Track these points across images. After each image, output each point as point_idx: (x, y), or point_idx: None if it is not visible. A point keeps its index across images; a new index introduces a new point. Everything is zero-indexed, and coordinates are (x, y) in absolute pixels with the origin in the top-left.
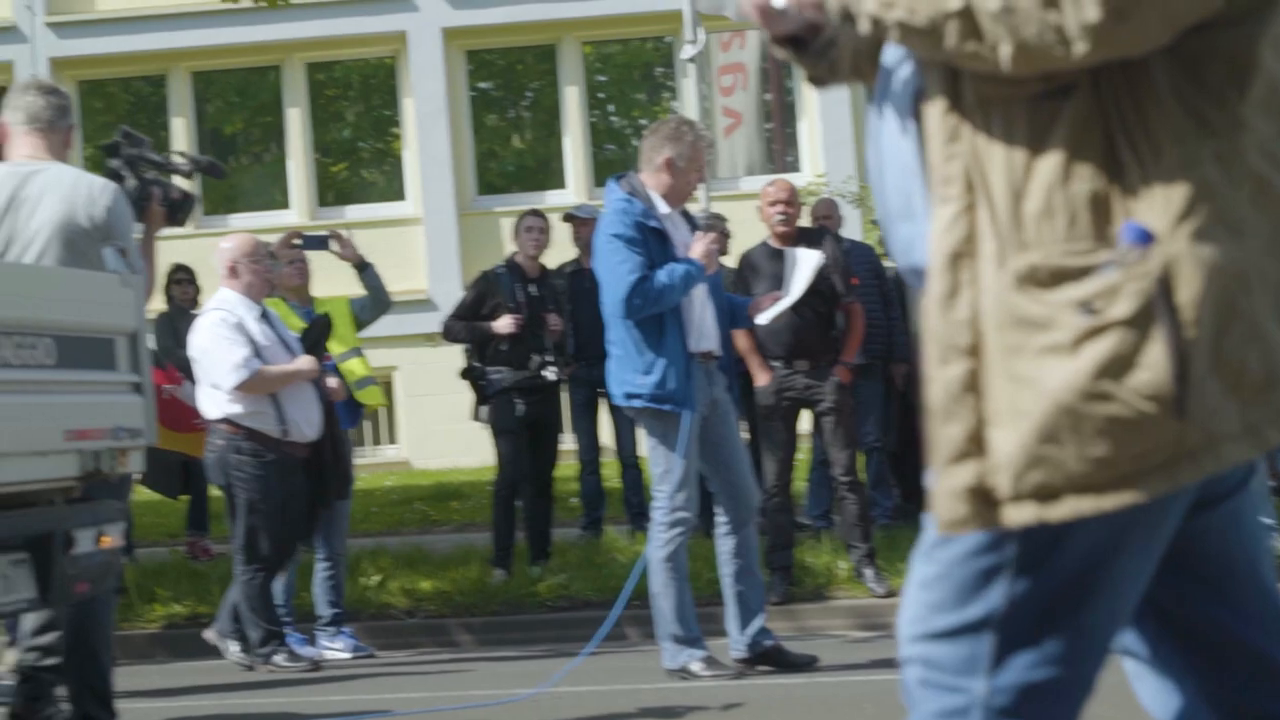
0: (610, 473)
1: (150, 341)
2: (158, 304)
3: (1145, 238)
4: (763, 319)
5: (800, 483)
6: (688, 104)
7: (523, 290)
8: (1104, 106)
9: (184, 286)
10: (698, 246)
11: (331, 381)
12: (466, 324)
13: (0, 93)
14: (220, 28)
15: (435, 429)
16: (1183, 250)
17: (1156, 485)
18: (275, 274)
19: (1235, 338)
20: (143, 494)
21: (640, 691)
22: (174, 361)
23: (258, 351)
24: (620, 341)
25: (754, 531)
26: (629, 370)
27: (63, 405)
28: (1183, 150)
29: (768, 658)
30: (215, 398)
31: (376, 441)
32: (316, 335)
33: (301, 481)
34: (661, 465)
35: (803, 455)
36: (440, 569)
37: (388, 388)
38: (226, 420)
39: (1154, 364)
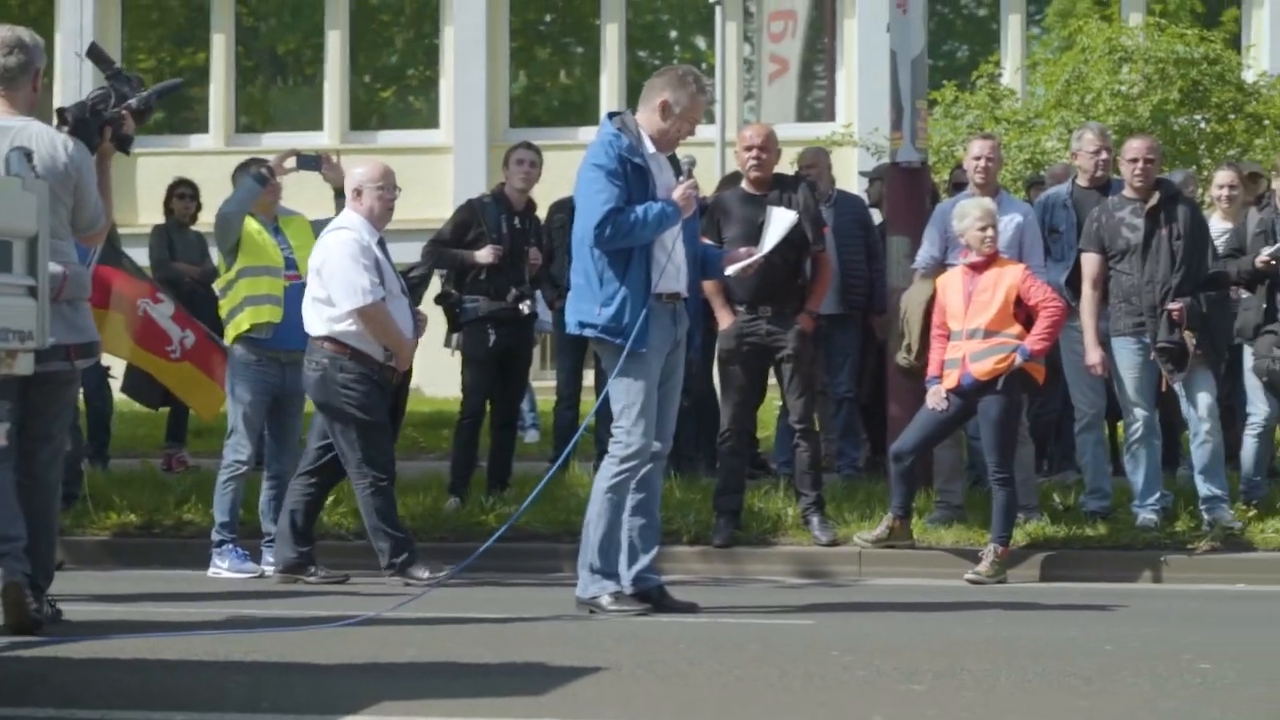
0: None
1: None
2: (155, 217)
3: None
4: (731, 270)
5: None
6: (728, 48)
7: (507, 222)
8: None
9: (185, 202)
10: (678, 190)
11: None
12: (447, 249)
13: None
14: None
15: (448, 358)
16: None
17: None
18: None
19: None
20: (125, 404)
21: (542, 624)
22: (165, 274)
23: (381, 279)
24: (584, 271)
25: (658, 472)
26: (587, 300)
27: None
28: None
29: (648, 598)
30: (323, 313)
31: None
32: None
33: (387, 406)
34: (620, 400)
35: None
36: (400, 493)
37: None
38: (330, 338)
39: None
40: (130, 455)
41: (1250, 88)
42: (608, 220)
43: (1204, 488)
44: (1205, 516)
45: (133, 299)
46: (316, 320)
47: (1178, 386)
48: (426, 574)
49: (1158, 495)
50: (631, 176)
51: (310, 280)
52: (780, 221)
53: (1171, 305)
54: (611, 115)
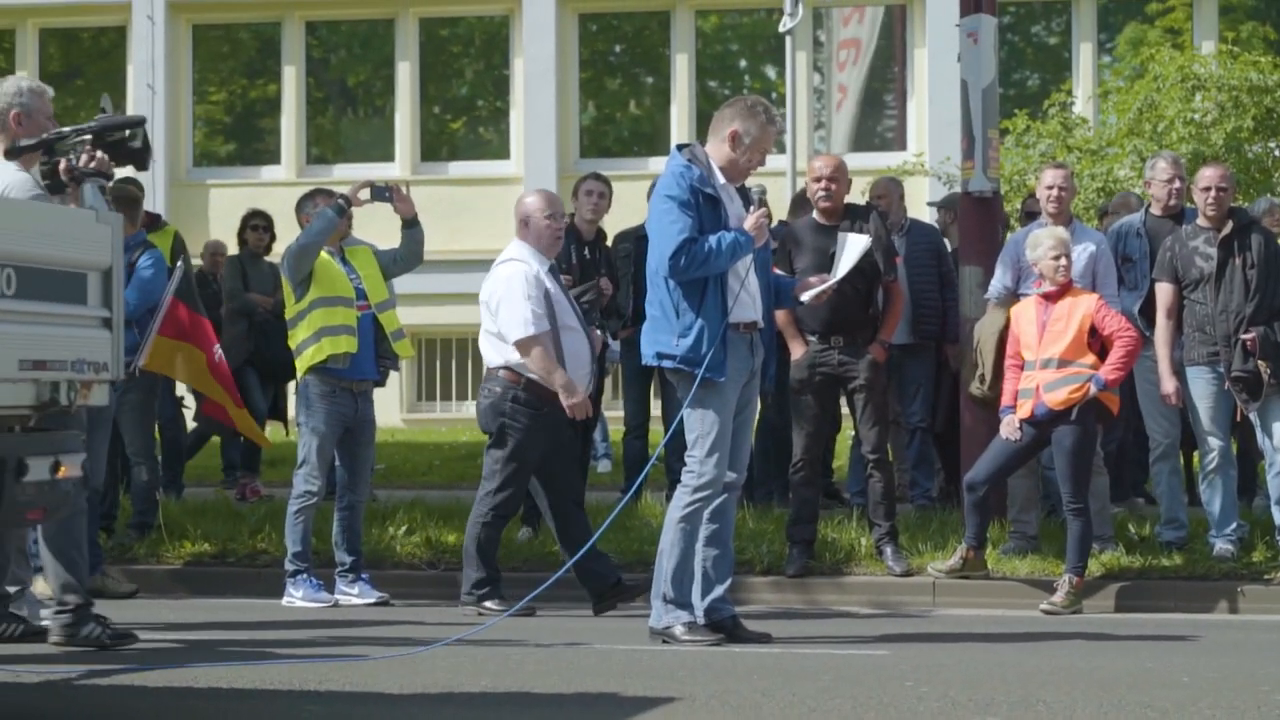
0: (657, 439)
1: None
2: (228, 248)
3: None
4: (805, 298)
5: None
6: (798, 78)
7: (577, 252)
8: None
9: (259, 233)
10: (750, 219)
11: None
12: None
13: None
14: None
15: None
16: None
17: None
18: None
19: None
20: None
21: (617, 652)
22: (239, 304)
23: (551, 307)
24: (659, 302)
25: (732, 503)
26: (664, 331)
27: (19, 335)
28: None
29: (721, 628)
30: (499, 345)
31: (462, 398)
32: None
33: (571, 436)
34: (695, 430)
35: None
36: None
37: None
38: (507, 367)
39: None
40: (204, 485)
41: None
42: (682, 250)
43: None
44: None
45: (213, 341)
46: (493, 351)
47: (1253, 416)
48: (498, 606)
49: (1234, 525)
50: (704, 207)
51: (482, 313)
52: (854, 247)
53: (1245, 335)
54: (681, 147)
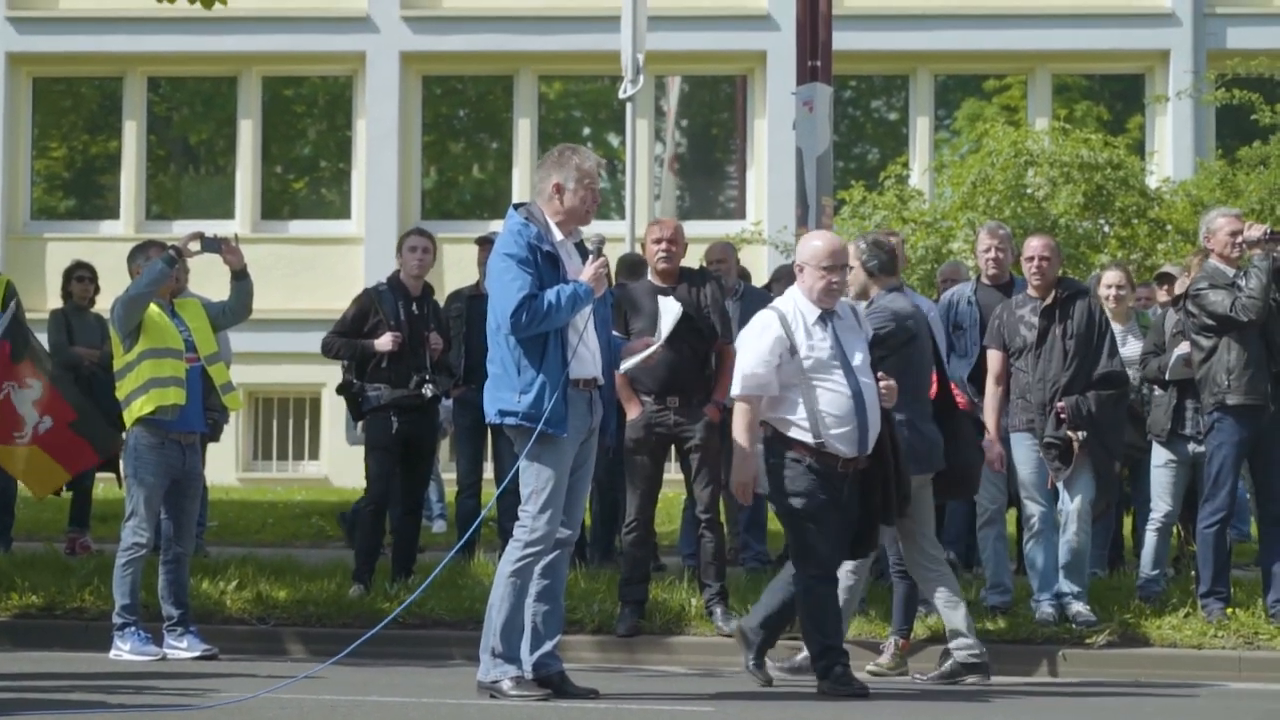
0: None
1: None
2: (54, 300)
3: None
4: (627, 365)
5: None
6: (639, 142)
7: (405, 308)
8: None
9: (84, 284)
10: (587, 270)
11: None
12: (347, 340)
13: None
14: (179, 35)
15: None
16: None
17: None
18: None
19: None
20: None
21: (443, 706)
22: (64, 357)
23: (799, 358)
24: (500, 360)
25: (564, 559)
26: (505, 389)
27: None
28: None
29: (549, 684)
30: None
31: (299, 458)
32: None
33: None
34: (530, 485)
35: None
36: (306, 580)
37: (315, 405)
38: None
39: None
40: (34, 538)
41: (1153, 193)
42: (523, 307)
43: (1064, 584)
44: (1063, 610)
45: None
46: None
47: (1060, 484)
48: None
49: (1054, 589)
50: (543, 264)
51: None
52: (668, 313)
53: (1059, 403)
54: (517, 206)
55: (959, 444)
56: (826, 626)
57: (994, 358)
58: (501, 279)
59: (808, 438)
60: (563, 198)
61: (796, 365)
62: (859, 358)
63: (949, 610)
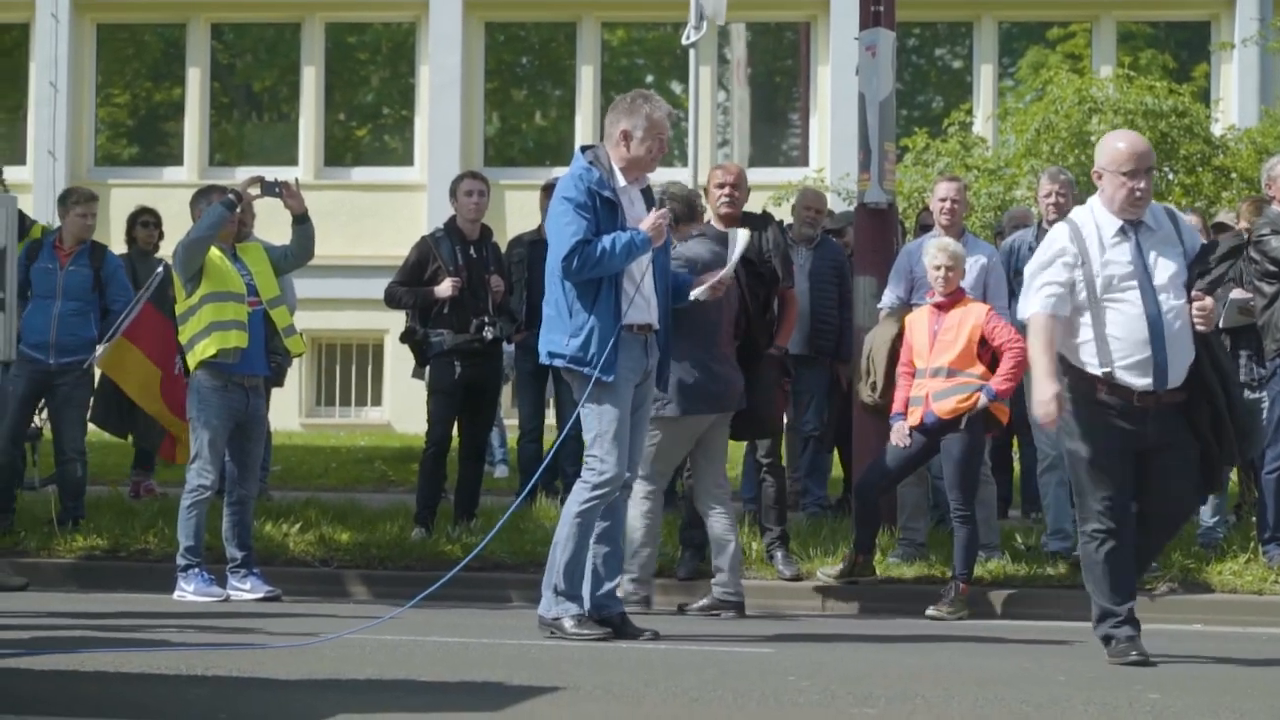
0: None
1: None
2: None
3: None
4: (696, 293)
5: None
6: (702, 89)
7: (463, 253)
8: None
9: (148, 230)
10: (648, 220)
11: None
12: (409, 288)
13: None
14: None
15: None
16: None
17: None
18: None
19: None
20: (94, 433)
21: (504, 645)
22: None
23: (1089, 274)
24: (555, 302)
25: (624, 501)
26: (557, 330)
27: None
28: None
29: (609, 624)
30: None
31: (361, 404)
32: None
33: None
34: (593, 429)
35: None
36: (368, 523)
37: (378, 350)
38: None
39: None
40: (99, 483)
41: (1218, 141)
42: (575, 252)
43: None
44: None
45: (172, 354)
46: None
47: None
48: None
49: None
50: (601, 209)
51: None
52: (739, 241)
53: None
54: (585, 149)
55: (758, 387)
56: (1104, 586)
57: None
58: (558, 222)
59: (1094, 367)
60: (629, 145)
61: (1087, 282)
62: (1166, 275)
63: (718, 548)
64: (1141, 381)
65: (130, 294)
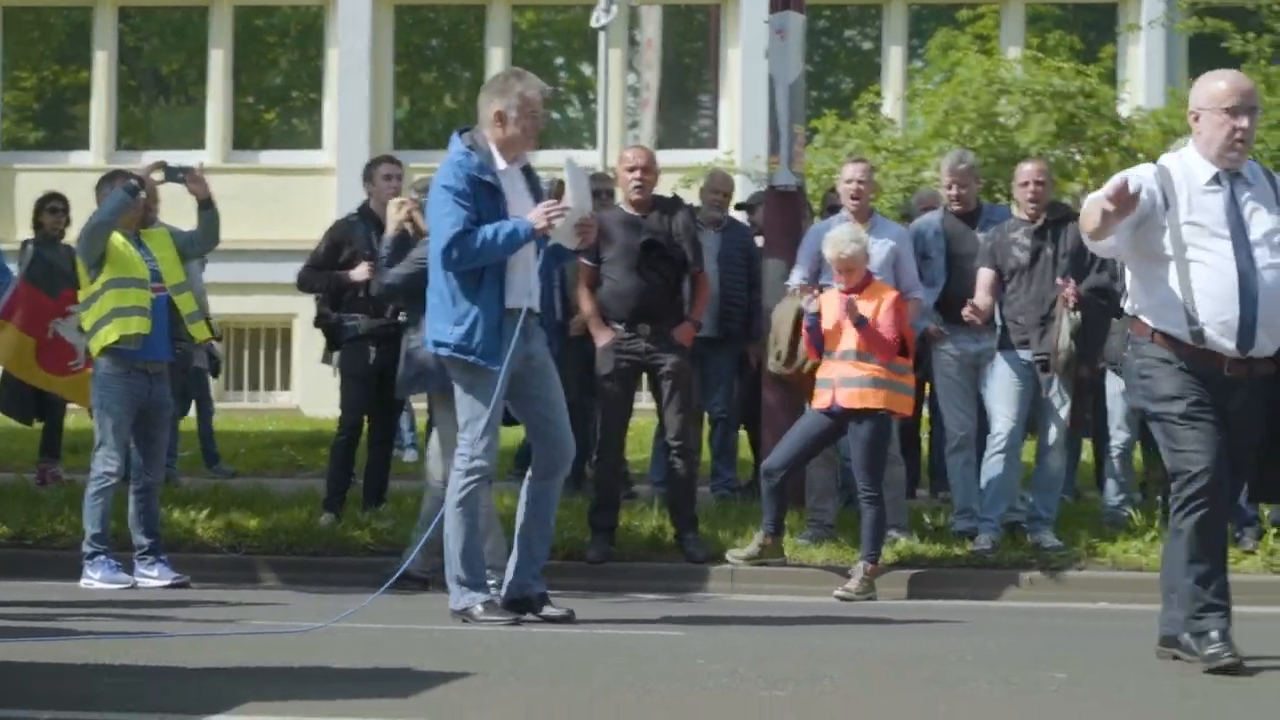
0: None
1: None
2: (25, 231)
3: None
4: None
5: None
6: (611, 72)
7: (378, 238)
8: None
9: (56, 216)
10: (537, 211)
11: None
12: (323, 272)
13: None
14: None
15: (330, 379)
16: None
17: None
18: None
19: None
20: None
21: (415, 631)
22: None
23: (1175, 220)
24: (438, 290)
25: (557, 486)
26: (442, 319)
27: None
28: None
29: (528, 604)
30: None
31: (270, 388)
32: None
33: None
34: (465, 414)
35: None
36: (277, 509)
37: (286, 335)
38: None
39: None
40: (4, 469)
41: (1125, 122)
42: (454, 244)
43: (1038, 508)
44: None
45: (45, 320)
46: None
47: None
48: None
49: (1003, 510)
50: (481, 195)
51: None
52: (574, 174)
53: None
54: (461, 132)
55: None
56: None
57: (986, 274)
58: (438, 212)
59: (1179, 328)
60: (505, 126)
61: (1171, 230)
62: (1262, 231)
63: (423, 522)
64: (1229, 344)
65: (9, 277)
